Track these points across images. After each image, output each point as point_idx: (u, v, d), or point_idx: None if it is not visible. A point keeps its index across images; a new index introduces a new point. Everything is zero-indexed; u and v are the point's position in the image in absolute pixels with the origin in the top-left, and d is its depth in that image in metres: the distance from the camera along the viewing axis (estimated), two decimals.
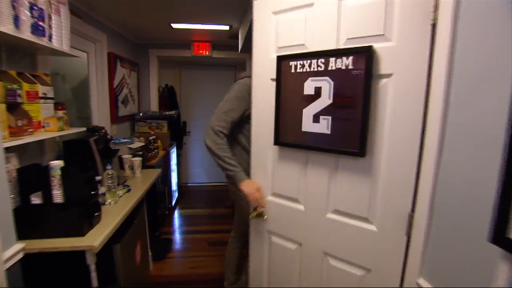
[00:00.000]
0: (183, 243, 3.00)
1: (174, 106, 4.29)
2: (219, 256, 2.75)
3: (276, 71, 1.19)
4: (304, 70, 1.12)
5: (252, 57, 1.34)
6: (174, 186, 3.90)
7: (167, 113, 3.65)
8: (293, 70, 1.15)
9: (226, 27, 3.02)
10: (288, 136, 1.20)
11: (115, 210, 1.54)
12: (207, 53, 3.87)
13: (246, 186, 1.35)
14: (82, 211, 1.23)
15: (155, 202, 2.91)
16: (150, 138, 3.04)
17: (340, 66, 1.04)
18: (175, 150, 4.00)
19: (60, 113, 1.63)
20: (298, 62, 1.13)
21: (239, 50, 3.06)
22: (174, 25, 3.00)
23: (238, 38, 3.38)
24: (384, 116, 1.02)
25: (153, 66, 3.86)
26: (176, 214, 3.73)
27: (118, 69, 3.03)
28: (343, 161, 1.12)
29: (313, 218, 1.23)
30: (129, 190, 1.84)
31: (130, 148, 2.44)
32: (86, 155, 1.80)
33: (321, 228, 1.22)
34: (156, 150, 3.03)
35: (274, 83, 1.23)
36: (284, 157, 1.27)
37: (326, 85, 1.06)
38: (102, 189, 1.63)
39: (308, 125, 1.14)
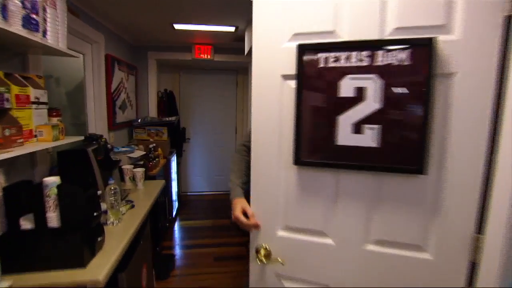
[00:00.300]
0: (187, 258, 2.79)
1: (173, 112, 4.09)
2: (227, 273, 2.55)
3: (297, 66, 0.93)
4: (339, 64, 0.89)
5: (252, 48, 1.02)
6: (174, 196, 3.69)
7: (167, 119, 3.46)
8: (321, 65, 0.91)
9: (232, 28, 2.86)
10: (315, 152, 0.95)
11: (119, 231, 1.34)
12: (208, 56, 3.70)
13: (234, 207, 1.09)
14: (83, 237, 1.03)
15: (155, 214, 2.70)
16: (151, 146, 2.84)
17: (391, 61, 0.86)
18: (175, 158, 3.79)
19: (55, 120, 1.44)
20: (331, 55, 0.90)
21: (245, 53, 2.90)
22: (176, 26, 2.83)
23: (243, 41, 3.22)
24: (446, 123, 0.86)
25: (152, 70, 3.67)
26: (177, 226, 3.51)
27: (116, 72, 2.83)
28: (390, 181, 0.92)
29: (347, 252, 1.00)
30: (132, 206, 1.64)
31: (130, 158, 2.24)
32: (84, 168, 1.59)
33: (357, 263, 1.00)
34: (157, 159, 2.83)
35: (288, 82, 0.97)
36: (305, 180, 0.99)
37: (372, 85, 0.87)
38: (103, 206, 1.43)
39: (345, 137, 0.91)
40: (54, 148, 1.55)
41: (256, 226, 1.06)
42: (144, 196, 1.87)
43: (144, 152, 2.51)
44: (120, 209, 1.50)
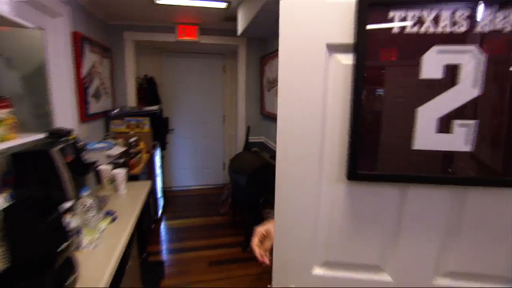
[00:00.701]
0: (177, 265, 2.50)
1: (155, 100, 3.69)
2: (225, 279, 2.30)
3: (356, 31, 0.62)
4: (423, 30, 0.60)
5: (280, 4, 0.67)
6: (159, 193, 3.35)
7: (149, 108, 3.08)
8: (396, 30, 0.61)
9: (223, 4, 2.50)
10: (381, 161, 0.67)
11: (98, 258, 1.03)
12: (194, 37, 3.31)
13: (255, 232, 0.88)
14: (45, 282, 0.72)
15: (140, 215, 2.38)
16: (131, 140, 2.47)
17: (502, 27, 0.58)
18: (159, 151, 3.43)
19: (3, 113, 1.08)
20: (411, 14, 0.60)
21: (239, 32, 2.56)
22: (158, 0, 2.43)
23: (233, 20, 2.86)
24: None
25: (129, 52, 3.23)
26: (164, 226, 3.20)
27: (87, 54, 2.40)
28: (479, 197, 0.67)
29: None
30: (114, 219, 1.32)
31: (108, 156, 1.88)
32: (47, 174, 1.25)
33: None
34: (139, 155, 2.48)
35: (337, 56, 0.67)
36: (358, 199, 0.72)
37: (470, 62, 0.59)
38: (74, 222, 1.11)
39: (426, 138, 0.63)
40: (8, 149, 1.19)
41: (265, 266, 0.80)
42: (128, 203, 1.55)
43: (124, 148, 2.15)
44: (98, 225, 1.18)
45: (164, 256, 2.64)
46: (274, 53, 3.04)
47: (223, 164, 4.37)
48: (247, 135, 3.55)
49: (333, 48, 0.67)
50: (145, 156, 2.68)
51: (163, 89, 3.97)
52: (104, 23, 3.01)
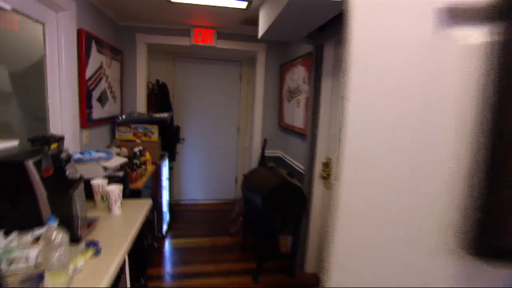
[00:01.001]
0: None
1: (166, 107, 3.48)
2: None
3: None
4: None
5: None
6: (164, 207, 3.08)
7: (159, 115, 2.85)
8: None
9: (243, 4, 2.27)
10: None
11: None
12: (210, 42, 3.10)
13: None
14: None
15: (141, 233, 2.10)
16: (136, 149, 2.23)
17: None
18: (167, 162, 3.19)
19: None
20: None
21: (259, 35, 2.32)
22: None
23: (254, 24, 2.63)
24: None
25: (141, 56, 3.04)
26: (168, 245, 2.91)
27: (93, 54, 2.21)
28: None
29: None
30: (97, 251, 1.04)
31: (105, 168, 1.63)
32: (20, 191, 0.99)
33: None
34: (143, 166, 2.22)
35: (460, 31, 0.38)
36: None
37: None
38: (33, 258, 0.84)
39: None
40: None
41: None
42: (121, 228, 1.28)
43: (125, 160, 1.90)
44: (73, 263, 0.90)
45: (166, 281, 2.33)
46: (296, 60, 2.78)
47: (235, 178, 4.08)
48: (263, 148, 3.27)
49: (451, 15, 0.38)
50: (150, 168, 2.43)
51: (175, 96, 3.77)
52: (115, 24, 2.84)
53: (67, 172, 1.10)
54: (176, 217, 3.51)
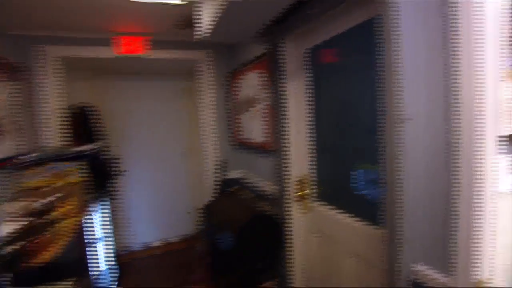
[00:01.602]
0: None
1: (96, 137, 2.80)
2: None
3: None
4: None
5: None
6: (103, 265, 2.37)
7: (81, 148, 2.19)
8: None
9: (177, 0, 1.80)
10: None
11: None
12: (140, 51, 2.54)
13: None
14: None
15: None
16: (39, 203, 1.56)
17: None
18: (101, 205, 2.49)
19: None
20: None
21: (201, 36, 1.85)
22: None
23: (191, 26, 2.17)
24: None
25: (52, 73, 2.36)
26: None
27: None
28: None
29: None
30: None
31: None
32: None
33: None
34: (54, 225, 1.56)
35: None
36: None
37: None
38: None
39: None
40: None
41: None
42: None
43: (19, 225, 1.25)
44: None
45: None
46: (250, 64, 2.37)
47: (190, 209, 3.49)
48: (223, 171, 2.76)
49: None
50: (71, 222, 1.76)
51: (109, 122, 3.10)
52: (8, 34, 2.15)
53: None
54: (127, 271, 2.79)
